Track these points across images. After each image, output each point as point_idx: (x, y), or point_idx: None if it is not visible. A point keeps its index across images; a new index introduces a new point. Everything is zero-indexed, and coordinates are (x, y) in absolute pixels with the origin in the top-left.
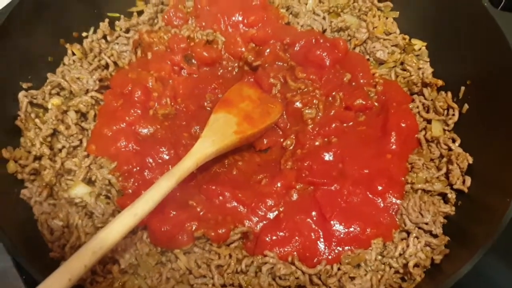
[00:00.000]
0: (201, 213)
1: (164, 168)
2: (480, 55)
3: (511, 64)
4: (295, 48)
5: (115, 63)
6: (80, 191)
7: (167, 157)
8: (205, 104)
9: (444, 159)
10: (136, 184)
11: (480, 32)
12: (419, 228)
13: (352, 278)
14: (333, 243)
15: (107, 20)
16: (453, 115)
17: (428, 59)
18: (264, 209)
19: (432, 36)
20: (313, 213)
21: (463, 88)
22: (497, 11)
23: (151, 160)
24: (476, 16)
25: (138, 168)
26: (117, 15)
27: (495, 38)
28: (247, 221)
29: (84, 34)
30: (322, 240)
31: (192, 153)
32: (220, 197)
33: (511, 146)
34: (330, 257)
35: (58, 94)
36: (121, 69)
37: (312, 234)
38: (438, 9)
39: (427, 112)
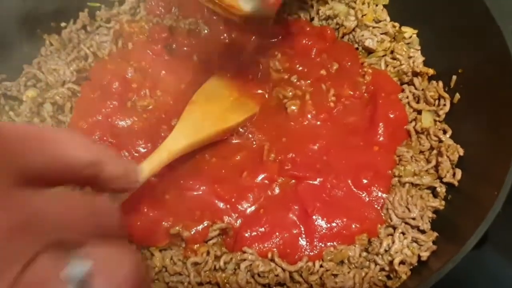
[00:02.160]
0: (177, 208)
1: (140, 162)
2: (472, 42)
3: (503, 51)
4: (279, 37)
5: (94, 54)
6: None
7: (143, 150)
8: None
9: (434, 151)
10: None
11: (472, 18)
12: (406, 223)
13: (335, 276)
14: (315, 239)
15: (86, 10)
16: (444, 105)
17: (419, 47)
18: (244, 204)
19: (423, 24)
20: (295, 207)
21: (454, 77)
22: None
23: (126, 154)
24: (467, 1)
25: None
26: (98, 4)
27: (487, 24)
28: (227, 217)
29: (62, 24)
30: (303, 236)
31: (163, 146)
32: (198, 192)
33: (501, 138)
34: (312, 253)
35: (34, 85)
36: (101, 60)
37: (293, 229)
38: None
39: (418, 102)
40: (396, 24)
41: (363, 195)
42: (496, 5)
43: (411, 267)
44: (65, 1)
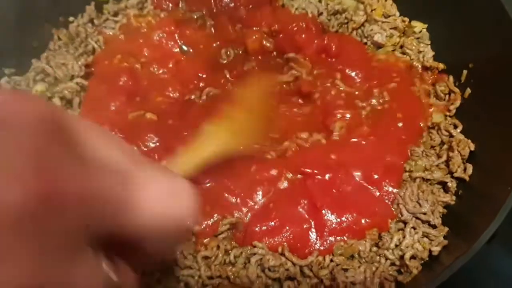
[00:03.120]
0: None
1: (149, 157)
2: (483, 36)
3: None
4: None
5: (101, 49)
6: None
7: (153, 145)
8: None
9: (445, 146)
10: None
11: (483, 12)
12: (417, 218)
13: (345, 270)
14: (326, 234)
15: (93, 3)
16: (455, 100)
17: (429, 42)
18: (254, 198)
19: (433, 18)
20: (304, 201)
21: (465, 71)
22: None
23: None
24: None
25: None
26: None
27: (499, 18)
28: (237, 211)
29: (71, 18)
30: (313, 230)
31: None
32: (208, 186)
33: None
34: (322, 248)
35: (42, 80)
36: (107, 53)
37: (303, 224)
38: None
39: (428, 97)
40: (406, 19)
41: (373, 190)
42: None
43: (422, 262)
44: None
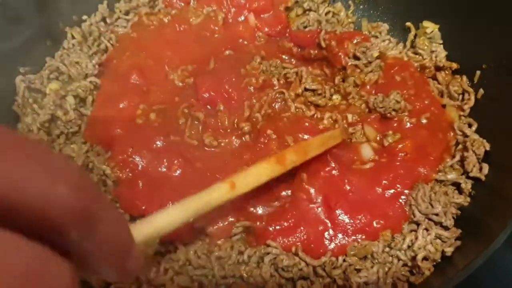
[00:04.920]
0: None
1: (160, 157)
2: (496, 38)
3: None
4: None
5: (114, 47)
6: None
7: (160, 144)
8: None
9: (460, 146)
10: (130, 174)
11: (496, 13)
12: (429, 219)
13: (358, 271)
14: (339, 234)
15: (105, 2)
16: (469, 99)
17: (441, 41)
18: (271, 202)
19: (445, 18)
20: (319, 201)
21: (478, 72)
22: None
23: (145, 150)
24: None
25: (133, 157)
26: None
27: None
28: (252, 208)
29: (84, 17)
30: (328, 231)
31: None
32: None
33: None
34: (335, 249)
35: (56, 78)
36: (119, 51)
37: (318, 224)
38: None
39: (441, 97)
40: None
41: (386, 191)
42: None
43: (434, 263)
44: None
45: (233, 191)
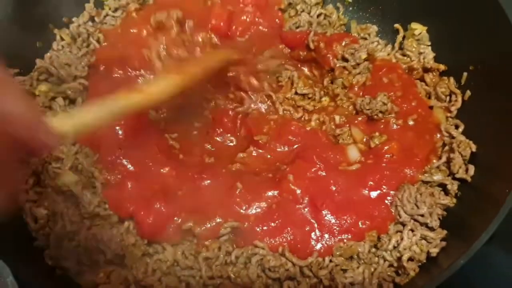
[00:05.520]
0: (190, 204)
1: (148, 157)
2: (483, 40)
3: None
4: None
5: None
6: (67, 179)
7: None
8: None
9: (446, 148)
10: (119, 176)
11: (483, 15)
12: (415, 220)
13: (344, 271)
14: (325, 235)
15: (92, 1)
16: (456, 101)
17: (429, 43)
18: (258, 203)
19: (433, 20)
20: (305, 202)
21: (465, 74)
22: None
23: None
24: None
25: (121, 158)
26: None
27: (498, 22)
28: (239, 209)
29: (74, 18)
30: (314, 231)
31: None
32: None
33: None
34: (322, 249)
35: (46, 80)
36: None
37: (304, 225)
38: None
39: (429, 98)
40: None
41: (372, 193)
42: (509, 2)
43: (420, 264)
44: None
45: (144, 97)
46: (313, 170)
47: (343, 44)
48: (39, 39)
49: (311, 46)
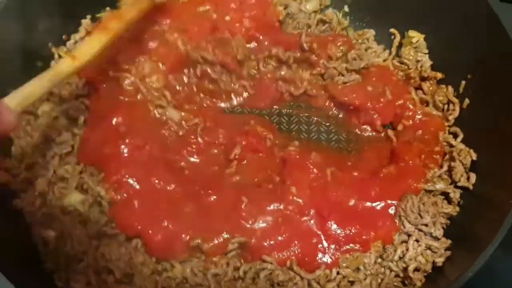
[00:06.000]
0: (197, 221)
1: (153, 174)
2: (480, 49)
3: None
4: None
5: None
6: (73, 199)
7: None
8: None
9: (447, 156)
10: (125, 194)
11: (480, 25)
12: (419, 230)
13: (352, 283)
14: (332, 246)
15: (89, 16)
16: (454, 110)
17: (426, 51)
18: (264, 217)
19: (430, 28)
20: (311, 213)
21: (463, 82)
22: (497, 2)
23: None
24: (476, 8)
25: (127, 177)
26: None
27: (495, 31)
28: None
29: (73, 35)
30: (321, 243)
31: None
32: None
33: None
34: (329, 261)
35: (48, 100)
36: None
37: (311, 237)
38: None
39: (426, 106)
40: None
41: (376, 204)
42: (505, 11)
43: (426, 274)
44: (71, 13)
45: (75, 61)
46: (311, 177)
47: (338, 44)
48: (40, 58)
49: (305, 47)
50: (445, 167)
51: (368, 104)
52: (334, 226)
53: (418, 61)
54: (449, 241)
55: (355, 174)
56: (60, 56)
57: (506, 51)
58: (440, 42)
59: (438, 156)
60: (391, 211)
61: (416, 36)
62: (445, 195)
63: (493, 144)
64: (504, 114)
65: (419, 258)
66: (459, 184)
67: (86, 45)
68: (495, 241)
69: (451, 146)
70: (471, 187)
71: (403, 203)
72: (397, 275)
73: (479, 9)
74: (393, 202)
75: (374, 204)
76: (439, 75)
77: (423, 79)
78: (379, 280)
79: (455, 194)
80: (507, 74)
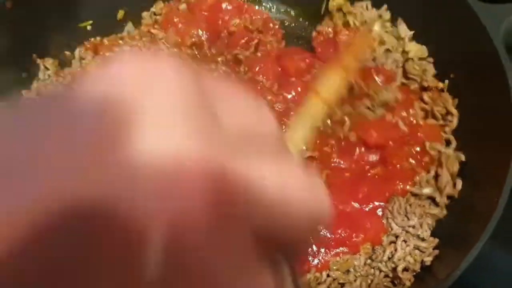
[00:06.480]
0: None
1: None
2: (462, 49)
3: (492, 58)
4: None
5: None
6: None
7: None
8: None
9: (436, 162)
10: None
11: (461, 26)
12: (406, 231)
13: (342, 285)
14: (322, 249)
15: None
16: (451, 122)
17: (432, 60)
18: None
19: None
20: None
21: (446, 81)
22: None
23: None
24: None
25: None
26: (89, 24)
27: (476, 31)
28: None
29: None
30: (311, 248)
31: None
32: None
33: (499, 143)
34: (319, 264)
35: None
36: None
37: None
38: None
39: (426, 117)
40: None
41: (364, 206)
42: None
43: (415, 273)
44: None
45: (323, 101)
46: None
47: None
48: (24, 69)
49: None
50: (432, 172)
51: None
52: (323, 229)
53: (424, 70)
54: (437, 240)
55: (347, 175)
56: (46, 68)
57: (485, 51)
58: (425, 42)
59: (427, 159)
60: (379, 212)
61: (412, 50)
62: (432, 199)
63: (478, 145)
64: (487, 115)
65: (408, 258)
66: (444, 192)
67: (330, 82)
68: (482, 238)
69: (439, 151)
70: (456, 195)
71: (390, 204)
72: (386, 276)
73: (459, 9)
74: (381, 203)
75: (362, 206)
76: (441, 85)
77: (424, 89)
78: (369, 281)
79: (442, 199)
80: (487, 75)
